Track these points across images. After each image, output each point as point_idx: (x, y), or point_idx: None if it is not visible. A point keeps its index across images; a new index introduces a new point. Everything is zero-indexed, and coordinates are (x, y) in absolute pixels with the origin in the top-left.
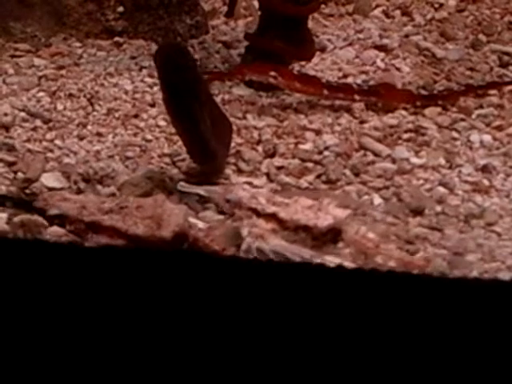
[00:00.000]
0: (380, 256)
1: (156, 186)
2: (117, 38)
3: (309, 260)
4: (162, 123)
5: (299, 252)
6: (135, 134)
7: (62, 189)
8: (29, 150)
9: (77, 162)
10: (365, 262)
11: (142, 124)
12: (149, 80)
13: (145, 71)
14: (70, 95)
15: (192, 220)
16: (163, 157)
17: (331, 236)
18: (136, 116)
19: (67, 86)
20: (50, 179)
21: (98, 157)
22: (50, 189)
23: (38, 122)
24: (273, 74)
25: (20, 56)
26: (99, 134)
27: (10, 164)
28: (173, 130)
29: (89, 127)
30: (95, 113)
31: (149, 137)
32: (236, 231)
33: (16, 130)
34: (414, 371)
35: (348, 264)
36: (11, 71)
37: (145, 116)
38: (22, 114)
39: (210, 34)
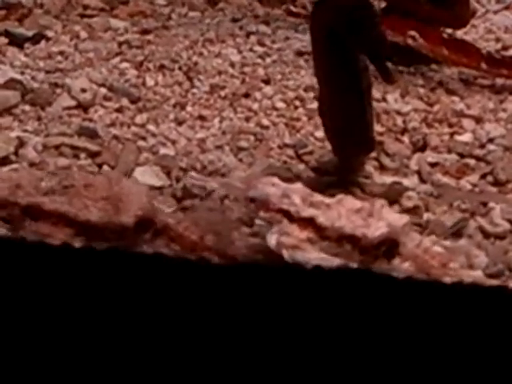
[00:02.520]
0: (447, 278)
1: None
2: None
3: None
4: (281, 105)
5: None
6: (247, 119)
7: (161, 187)
8: (115, 137)
9: (177, 154)
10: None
11: (254, 105)
12: (259, 49)
13: (253, 38)
14: (162, 67)
15: None
16: (284, 148)
17: (385, 249)
18: (247, 95)
19: (157, 54)
20: (145, 175)
21: (202, 147)
22: (150, 187)
23: (124, 101)
24: (412, 33)
25: (92, 16)
26: (202, 118)
27: (93, 154)
28: (294, 115)
29: (188, 108)
30: (195, 90)
31: (265, 122)
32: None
33: (97, 111)
34: None
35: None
36: (84, 35)
37: (258, 95)
38: (103, 90)
39: None
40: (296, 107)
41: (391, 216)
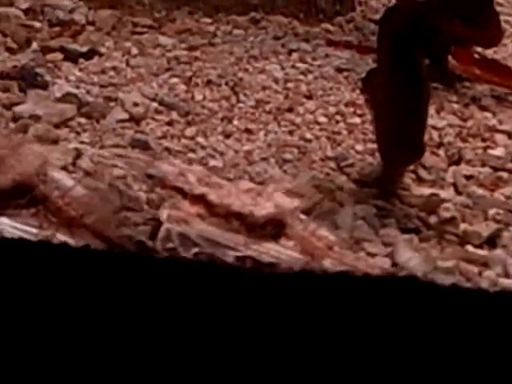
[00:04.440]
0: (329, 260)
1: (325, 197)
2: (253, 14)
3: (243, 249)
4: (322, 119)
5: (231, 238)
6: (291, 132)
7: None
8: (166, 149)
9: (225, 165)
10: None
11: (298, 120)
12: (301, 66)
13: (295, 55)
14: (209, 82)
15: None
16: (327, 160)
17: (271, 229)
18: (290, 110)
19: (204, 70)
20: None
21: (249, 159)
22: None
23: (175, 115)
24: None
25: (142, 33)
26: (248, 131)
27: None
28: (336, 129)
29: (235, 122)
30: (241, 104)
31: (308, 135)
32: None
33: (148, 124)
34: None
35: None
36: (134, 51)
37: (301, 110)
38: (154, 104)
39: (358, 10)
40: (337, 121)
41: (282, 199)
